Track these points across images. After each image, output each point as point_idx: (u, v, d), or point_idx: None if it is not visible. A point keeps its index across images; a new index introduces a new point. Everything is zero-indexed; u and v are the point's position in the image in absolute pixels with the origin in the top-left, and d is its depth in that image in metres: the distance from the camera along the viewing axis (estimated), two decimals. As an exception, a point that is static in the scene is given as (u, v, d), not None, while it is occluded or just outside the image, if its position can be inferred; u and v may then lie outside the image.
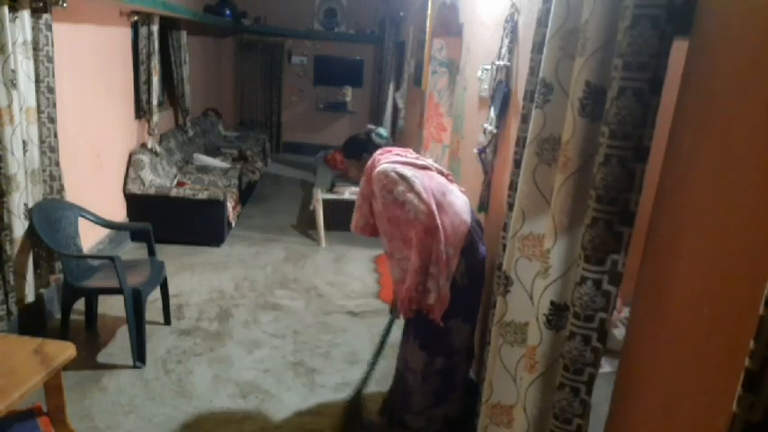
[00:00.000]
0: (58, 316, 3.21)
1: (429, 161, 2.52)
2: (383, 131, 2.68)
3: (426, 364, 2.42)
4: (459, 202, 2.39)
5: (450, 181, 2.51)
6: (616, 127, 1.26)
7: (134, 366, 2.98)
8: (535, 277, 1.66)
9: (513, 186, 1.82)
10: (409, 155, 2.48)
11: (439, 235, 2.23)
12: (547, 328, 1.55)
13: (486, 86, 2.73)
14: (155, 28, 4.89)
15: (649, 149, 1.28)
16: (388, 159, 2.39)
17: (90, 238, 3.86)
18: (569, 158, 1.44)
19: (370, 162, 2.47)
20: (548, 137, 1.58)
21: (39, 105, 3.05)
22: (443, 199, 2.33)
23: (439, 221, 2.24)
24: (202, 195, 4.69)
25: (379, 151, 2.51)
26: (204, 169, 5.77)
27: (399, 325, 2.66)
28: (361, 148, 2.62)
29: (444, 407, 2.51)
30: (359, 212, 2.52)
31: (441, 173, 2.50)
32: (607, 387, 1.54)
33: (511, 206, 1.81)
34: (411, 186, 2.27)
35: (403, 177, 2.28)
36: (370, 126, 2.73)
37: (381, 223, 2.39)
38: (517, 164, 1.79)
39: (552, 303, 1.54)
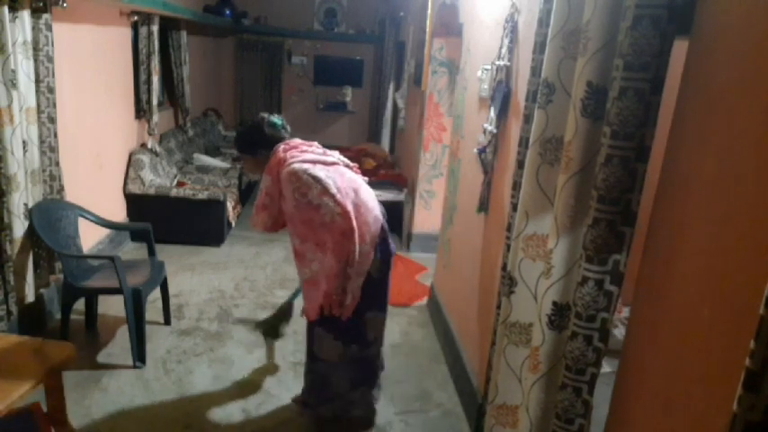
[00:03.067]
0: (58, 316, 3.20)
1: (336, 155, 2.44)
2: (277, 120, 2.46)
3: (341, 354, 2.43)
4: (370, 197, 2.38)
5: (356, 173, 2.46)
6: (618, 127, 1.26)
7: (134, 366, 2.97)
8: (539, 278, 1.67)
9: (516, 187, 1.82)
10: (316, 150, 2.39)
11: (355, 236, 2.20)
12: (549, 329, 1.56)
13: (486, 86, 2.73)
14: (155, 28, 4.89)
15: (651, 149, 1.28)
16: (296, 158, 2.27)
17: (90, 238, 3.86)
18: (571, 159, 1.44)
19: (274, 159, 2.33)
20: (550, 137, 1.58)
21: (39, 105, 3.04)
22: (357, 198, 2.29)
23: (355, 223, 2.21)
24: (202, 195, 4.69)
25: (282, 147, 2.36)
26: (204, 169, 5.77)
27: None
28: (255, 144, 2.44)
29: (359, 393, 2.53)
30: (266, 212, 2.38)
31: (347, 166, 2.44)
32: (607, 387, 1.54)
33: (514, 206, 1.81)
34: (326, 189, 2.20)
35: (316, 179, 2.20)
36: (263, 114, 2.50)
37: (294, 225, 2.29)
38: (520, 164, 1.79)
39: (555, 304, 1.54)
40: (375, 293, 2.38)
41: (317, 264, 2.26)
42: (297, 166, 2.24)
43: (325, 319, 2.34)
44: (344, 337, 2.41)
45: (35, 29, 2.95)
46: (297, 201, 2.22)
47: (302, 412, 2.64)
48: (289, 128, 2.50)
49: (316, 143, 2.46)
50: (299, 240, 2.30)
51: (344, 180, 2.31)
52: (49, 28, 3.02)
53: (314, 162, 2.28)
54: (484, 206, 2.67)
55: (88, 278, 3.11)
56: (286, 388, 2.90)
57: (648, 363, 1.34)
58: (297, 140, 2.42)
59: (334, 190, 2.21)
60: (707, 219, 1.15)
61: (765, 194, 0.99)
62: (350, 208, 2.22)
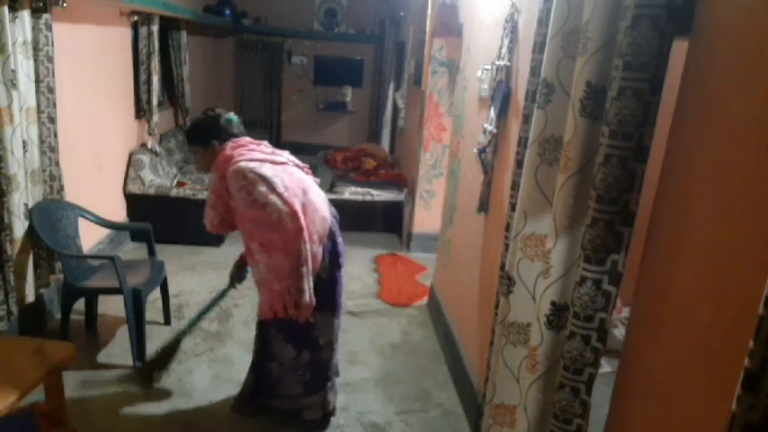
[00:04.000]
0: (58, 316, 3.20)
1: (285, 154, 2.42)
2: (234, 117, 2.45)
3: (294, 358, 2.42)
4: (319, 198, 2.36)
5: (307, 173, 2.45)
6: (616, 127, 1.26)
7: (134, 366, 2.97)
8: (537, 278, 1.67)
9: (515, 187, 1.82)
10: (265, 149, 2.36)
11: (304, 234, 2.19)
12: (548, 329, 1.56)
13: (486, 86, 2.73)
14: (155, 28, 4.89)
15: (650, 149, 1.28)
16: (243, 156, 2.24)
17: (90, 238, 3.86)
18: (570, 158, 1.44)
19: (221, 157, 2.29)
20: (549, 137, 1.58)
21: (39, 105, 3.05)
22: (305, 198, 2.27)
23: (303, 222, 2.19)
24: (202, 195, 4.68)
25: (230, 144, 2.32)
26: (204, 169, 5.76)
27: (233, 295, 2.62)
28: (209, 135, 2.38)
29: (316, 398, 2.51)
30: (214, 211, 2.35)
31: (297, 166, 2.43)
32: (607, 387, 1.54)
33: (513, 206, 1.81)
34: (272, 187, 2.17)
35: (263, 178, 2.17)
36: (219, 110, 2.48)
37: (242, 223, 2.27)
38: (519, 164, 1.79)
39: (553, 304, 1.54)
40: (324, 295, 2.35)
41: (263, 264, 2.24)
42: (243, 164, 2.20)
43: (277, 320, 2.33)
44: (294, 340, 2.39)
45: (35, 29, 2.95)
46: (243, 199, 2.19)
47: (242, 412, 2.62)
48: (243, 128, 2.47)
49: (265, 143, 2.43)
50: (247, 237, 2.29)
51: (293, 179, 2.28)
52: (49, 28, 3.02)
53: (261, 161, 2.25)
54: (484, 206, 2.67)
55: (88, 278, 3.11)
56: (286, 388, 2.90)
57: (648, 363, 1.34)
58: (246, 139, 2.38)
59: (281, 189, 2.18)
60: (707, 219, 1.15)
61: (765, 194, 0.99)
62: (298, 207, 2.20)
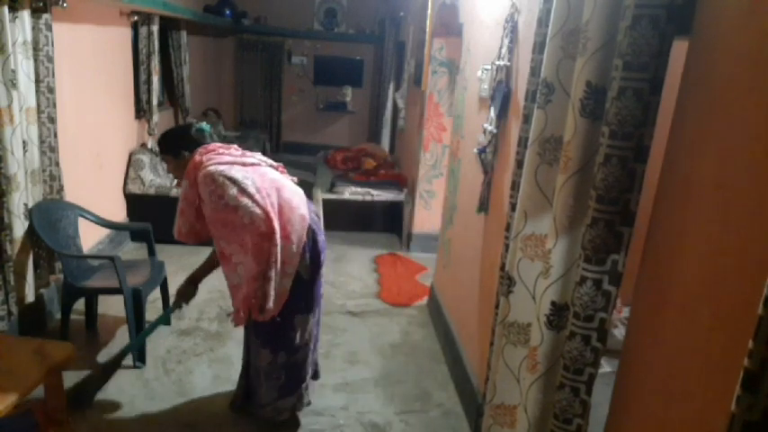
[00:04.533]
0: (58, 316, 3.20)
1: (258, 155, 2.40)
2: (205, 126, 2.46)
3: (270, 362, 2.39)
4: (296, 197, 2.33)
5: (282, 172, 2.44)
6: (616, 127, 1.26)
7: (134, 366, 2.97)
8: (537, 278, 1.67)
9: (515, 187, 1.82)
10: (234, 152, 2.34)
11: (275, 238, 2.16)
12: (548, 329, 1.56)
13: (486, 86, 2.73)
14: (155, 28, 4.89)
15: (650, 149, 1.28)
16: (212, 161, 2.23)
17: (90, 238, 3.86)
18: (570, 158, 1.44)
19: (191, 163, 2.28)
20: (549, 137, 1.58)
21: (39, 105, 3.05)
22: (280, 197, 2.25)
23: (276, 224, 2.17)
24: (202, 195, 4.69)
25: (199, 150, 2.31)
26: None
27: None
28: (178, 145, 2.39)
29: (291, 399, 2.50)
30: (182, 218, 2.35)
31: (272, 167, 2.41)
32: (607, 387, 1.54)
33: (513, 206, 1.81)
34: (243, 189, 2.15)
35: (233, 180, 2.15)
36: (192, 121, 2.49)
37: (215, 228, 2.24)
38: (519, 164, 1.79)
39: (553, 303, 1.54)
40: (304, 295, 2.34)
41: (243, 266, 2.22)
42: (212, 168, 2.19)
43: (255, 324, 2.32)
44: (272, 343, 2.37)
45: (35, 29, 2.95)
46: (214, 203, 2.17)
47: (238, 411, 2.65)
48: (216, 137, 2.48)
49: (234, 146, 2.42)
50: (223, 242, 2.25)
51: (265, 180, 2.26)
52: (49, 28, 3.02)
53: (231, 163, 2.23)
54: (484, 206, 2.67)
55: (88, 278, 3.11)
56: (286, 388, 2.90)
57: (648, 362, 1.34)
58: (215, 144, 2.38)
59: (252, 190, 2.16)
60: (707, 219, 1.15)
61: (765, 194, 0.99)
62: (270, 208, 2.18)
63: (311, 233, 2.32)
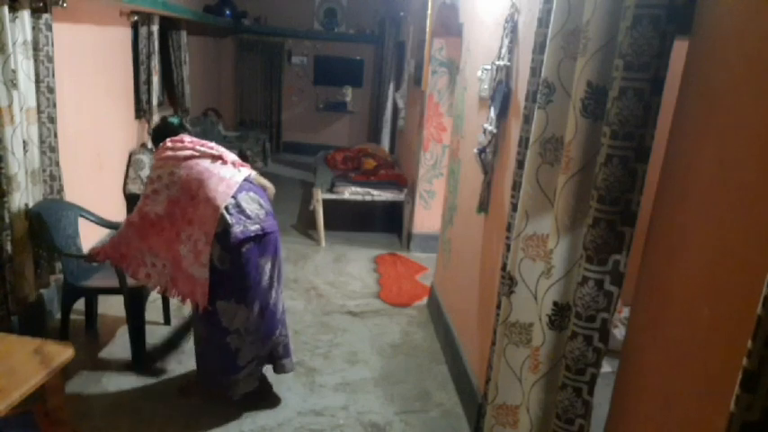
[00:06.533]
0: (58, 316, 3.20)
1: (209, 144, 2.64)
2: (175, 119, 2.90)
3: (206, 338, 2.62)
4: (219, 188, 2.45)
5: (239, 167, 2.61)
6: (617, 127, 1.26)
7: (134, 366, 2.97)
8: (539, 278, 1.67)
9: (516, 187, 1.82)
10: (178, 145, 2.58)
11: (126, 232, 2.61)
12: (550, 329, 1.56)
13: (486, 86, 2.73)
14: (155, 28, 4.89)
15: (651, 149, 1.28)
16: (158, 155, 2.58)
17: (90, 238, 3.85)
18: (571, 159, 1.44)
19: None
20: (550, 137, 1.58)
21: (39, 105, 3.04)
22: (192, 193, 2.44)
23: (136, 216, 2.57)
24: (202, 195, 4.69)
25: (165, 143, 2.63)
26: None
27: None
28: (161, 137, 2.73)
29: (225, 379, 2.63)
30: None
31: (214, 157, 2.58)
32: (607, 387, 1.54)
33: (514, 206, 1.81)
34: (146, 187, 2.57)
35: (150, 179, 2.55)
36: (165, 116, 2.97)
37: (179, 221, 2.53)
38: (520, 164, 1.79)
39: (555, 304, 1.54)
40: (225, 284, 2.47)
41: (195, 248, 2.47)
42: (155, 162, 2.59)
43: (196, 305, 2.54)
44: (203, 321, 2.58)
45: (35, 29, 2.95)
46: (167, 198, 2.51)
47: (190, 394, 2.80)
48: (188, 126, 2.80)
49: (183, 136, 2.69)
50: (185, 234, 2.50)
51: (192, 172, 2.48)
52: (49, 28, 3.02)
53: (166, 159, 2.53)
54: (484, 206, 2.67)
55: (88, 278, 3.11)
56: (286, 388, 2.90)
57: (648, 363, 1.34)
58: (173, 138, 2.66)
59: (148, 191, 2.53)
60: (707, 219, 1.15)
61: (765, 194, 0.99)
62: (148, 209, 2.52)
63: (223, 225, 2.41)
